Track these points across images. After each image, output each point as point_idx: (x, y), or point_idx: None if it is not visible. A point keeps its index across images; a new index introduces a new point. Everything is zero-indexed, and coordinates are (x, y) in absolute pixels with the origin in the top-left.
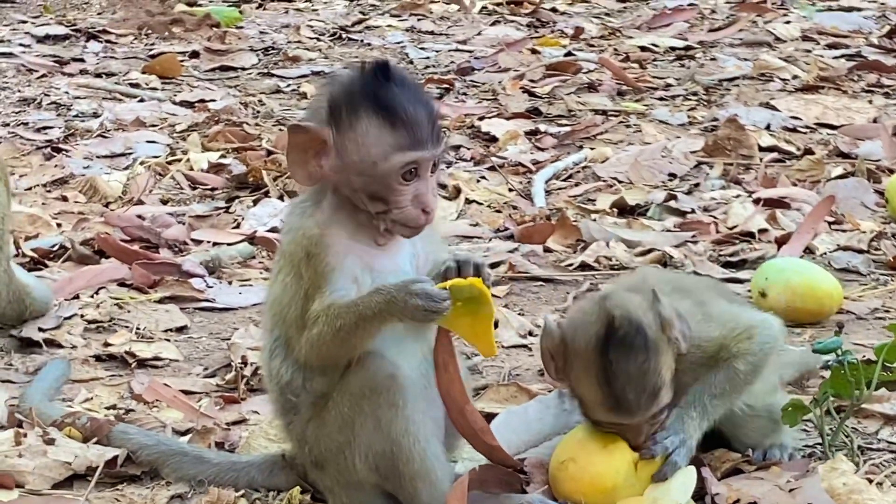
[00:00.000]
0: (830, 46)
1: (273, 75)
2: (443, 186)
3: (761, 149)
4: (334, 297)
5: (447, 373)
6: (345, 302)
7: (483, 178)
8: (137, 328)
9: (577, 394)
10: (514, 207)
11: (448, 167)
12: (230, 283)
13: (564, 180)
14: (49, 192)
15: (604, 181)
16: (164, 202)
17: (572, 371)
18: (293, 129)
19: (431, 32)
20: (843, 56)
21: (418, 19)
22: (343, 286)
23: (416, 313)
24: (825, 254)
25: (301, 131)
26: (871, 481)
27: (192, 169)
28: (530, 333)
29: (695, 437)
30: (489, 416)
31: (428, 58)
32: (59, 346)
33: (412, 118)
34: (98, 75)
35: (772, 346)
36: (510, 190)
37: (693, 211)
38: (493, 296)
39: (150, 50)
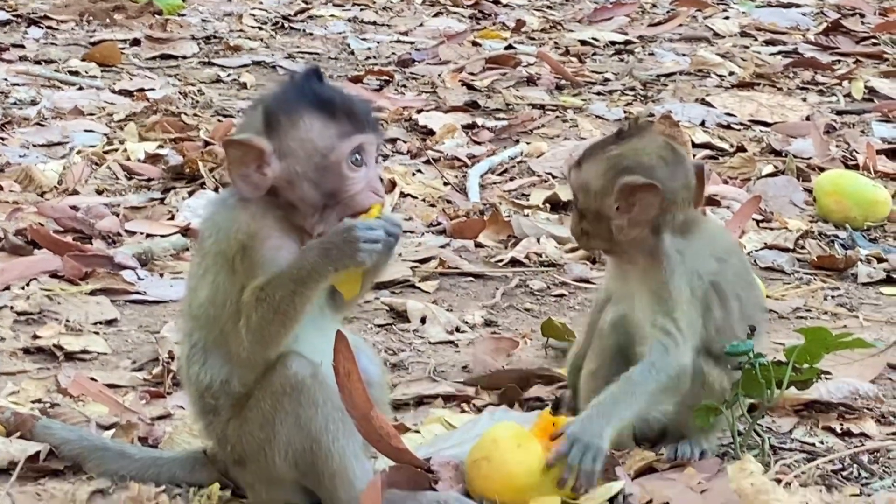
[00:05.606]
0: (768, 43)
1: (214, 64)
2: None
3: (695, 145)
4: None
5: (349, 380)
6: (274, 275)
7: (419, 171)
8: (67, 320)
9: None
10: (449, 202)
11: (384, 160)
12: (162, 275)
13: (500, 174)
14: None
15: (538, 176)
16: (100, 192)
17: None
18: (229, 145)
19: (374, 23)
20: (779, 53)
21: (361, 9)
22: None
23: (353, 248)
24: (751, 252)
25: (237, 145)
26: (780, 481)
27: (128, 159)
28: (457, 329)
29: (604, 439)
30: None
31: (369, 49)
32: None
33: (350, 107)
34: (38, 62)
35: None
36: (445, 184)
37: None
38: (422, 290)
39: (92, 37)
